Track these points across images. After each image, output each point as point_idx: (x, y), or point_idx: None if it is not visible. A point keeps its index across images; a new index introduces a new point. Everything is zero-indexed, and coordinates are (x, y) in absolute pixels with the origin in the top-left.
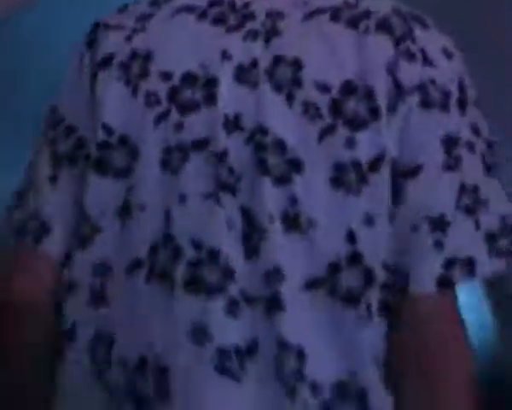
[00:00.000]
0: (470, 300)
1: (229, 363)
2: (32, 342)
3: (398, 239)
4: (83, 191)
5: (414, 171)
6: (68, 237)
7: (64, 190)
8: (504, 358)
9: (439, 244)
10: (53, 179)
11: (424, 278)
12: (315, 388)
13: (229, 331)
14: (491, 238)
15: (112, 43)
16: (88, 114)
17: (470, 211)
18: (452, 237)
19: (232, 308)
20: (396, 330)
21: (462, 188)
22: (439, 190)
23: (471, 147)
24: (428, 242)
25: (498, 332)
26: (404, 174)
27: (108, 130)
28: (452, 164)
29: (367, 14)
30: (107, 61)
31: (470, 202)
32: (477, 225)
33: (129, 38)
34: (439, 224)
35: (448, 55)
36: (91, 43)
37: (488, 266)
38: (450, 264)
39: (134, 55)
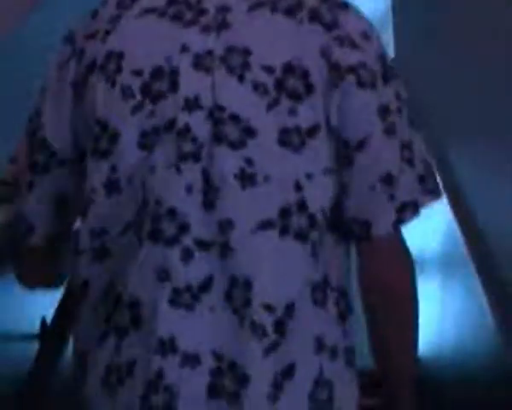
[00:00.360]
0: (470, 302)
1: (181, 299)
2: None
3: (357, 197)
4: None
5: (361, 144)
6: (49, 228)
7: (40, 192)
8: (505, 359)
9: (391, 197)
10: (30, 185)
11: (384, 224)
12: (261, 314)
13: (183, 273)
14: (422, 180)
15: (92, 50)
16: (67, 123)
17: (411, 162)
18: (400, 188)
19: (186, 256)
20: (362, 268)
21: (402, 146)
22: (384, 154)
23: (399, 111)
24: (384, 197)
25: (499, 333)
26: (352, 148)
27: (98, 122)
28: (390, 130)
29: (299, 4)
30: (91, 67)
31: (410, 155)
32: (416, 174)
33: (104, 41)
34: (389, 180)
35: (368, 37)
36: (74, 53)
37: (424, 203)
38: (401, 209)
39: (109, 54)
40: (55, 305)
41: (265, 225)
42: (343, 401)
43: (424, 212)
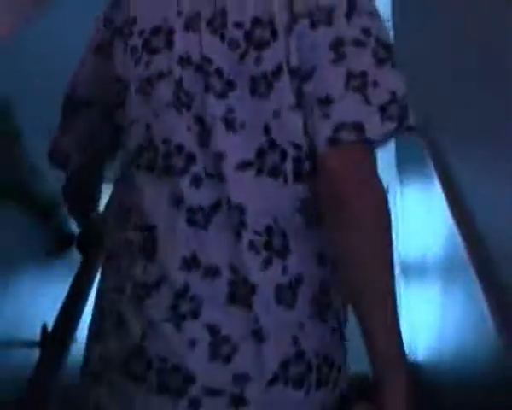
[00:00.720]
0: (471, 307)
1: (196, 217)
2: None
3: (305, 122)
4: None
5: (309, 73)
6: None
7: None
8: (506, 364)
9: (326, 116)
10: (65, 126)
11: (320, 142)
12: (253, 231)
13: (195, 197)
14: (382, 109)
15: (116, 18)
16: (98, 76)
17: (358, 89)
18: (338, 110)
19: (196, 182)
20: (314, 185)
21: (349, 75)
22: (327, 80)
23: (358, 44)
24: (319, 114)
25: (500, 338)
26: (302, 78)
27: (118, 79)
28: (338, 59)
29: None
30: (117, 31)
31: (358, 83)
32: (367, 101)
33: (123, 8)
34: (326, 102)
35: None
36: (105, 19)
37: (380, 128)
38: (339, 128)
39: (126, 20)
40: (57, 312)
41: (245, 164)
42: (338, 304)
43: (425, 218)
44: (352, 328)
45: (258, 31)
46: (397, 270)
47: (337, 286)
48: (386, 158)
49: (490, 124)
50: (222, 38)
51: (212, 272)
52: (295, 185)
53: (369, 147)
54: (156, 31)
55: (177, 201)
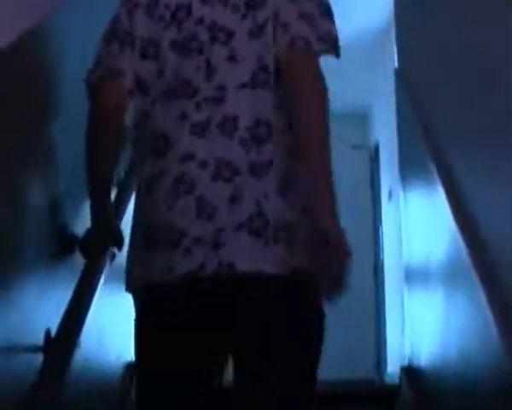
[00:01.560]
0: (475, 317)
1: (196, 129)
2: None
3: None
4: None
5: (284, 25)
6: (133, 79)
7: (125, 58)
8: (509, 369)
9: (286, 31)
10: (120, 52)
11: (283, 47)
12: (244, 132)
13: (197, 115)
14: (320, 39)
15: None
16: (129, 30)
17: (309, 22)
18: (293, 29)
19: (198, 106)
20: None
21: (301, 13)
22: (286, 14)
23: (308, 1)
24: (281, 32)
25: (502, 344)
26: (281, 29)
27: (142, 38)
28: (293, 2)
29: None
30: (137, 4)
31: (306, 20)
32: (311, 29)
33: None
34: (285, 25)
35: None
36: None
37: (319, 45)
38: (293, 40)
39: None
40: (61, 317)
41: (243, 85)
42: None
43: (428, 223)
44: (353, 339)
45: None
46: (400, 275)
47: (297, 177)
48: (389, 163)
49: (492, 128)
50: (225, 5)
51: (203, 163)
52: (275, 91)
53: (314, 55)
54: (179, 6)
55: (184, 116)
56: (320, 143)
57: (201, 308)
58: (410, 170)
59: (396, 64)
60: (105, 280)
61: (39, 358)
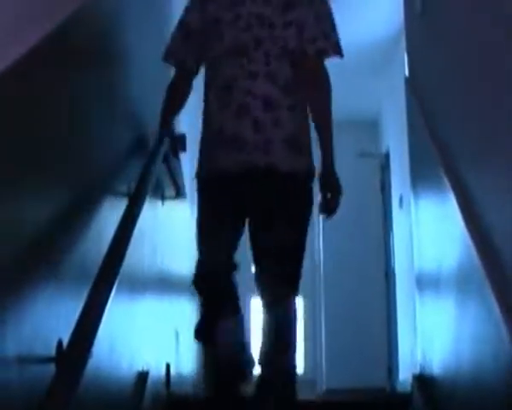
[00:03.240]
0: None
1: (251, 75)
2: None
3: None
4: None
5: (303, 27)
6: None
7: (189, 41)
8: None
9: (313, 42)
10: (184, 38)
11: (311, 52)
12: (281, 81)
13: (249, 68)
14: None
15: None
16: (199, 16)
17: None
18: (317, 41)
19: (250, 63)
20: (301, 70)
21: (318, 18)
22: (310, 27)
23: (327, 15)
24: (303, 32)
25: None
26: (300, 28)
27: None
28: (318, 18)
29: None
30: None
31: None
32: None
33: None
34: (303, 27)
35: None
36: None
37: (331, 50)
38: (319, 51)
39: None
40: (73, 327)
41: (278, 56)
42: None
43: (440, 229)
44: (364, 346)
45: (286, 4)
46: (411, 282)
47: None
48: (399, 170)
49: (504, 135)
50: (267, 3)
51: (255, 96)
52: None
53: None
54: (237, 1)
55: (242, 67)
56: (330, 128)
57: (252, 188)
58: (420, 177)
59: (406, 72)
60: (117, 289)
61: (51, 369)
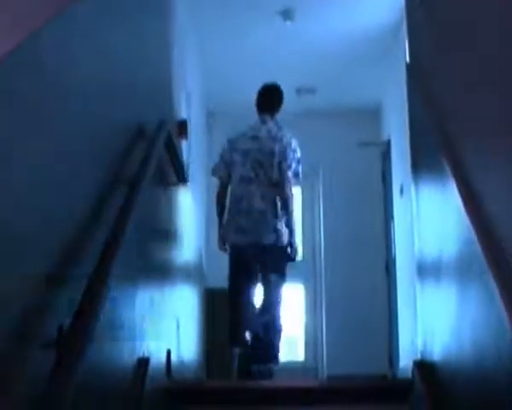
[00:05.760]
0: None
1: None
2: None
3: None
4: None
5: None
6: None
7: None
8: None
9: (288, 169)
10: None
11: (287, 177)
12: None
13: (248, 173)
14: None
15: (235, 145)
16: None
17: (294, 165)
18: (291, 169)
19: (260, 188)
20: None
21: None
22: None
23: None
24: (285, 167)
25: None
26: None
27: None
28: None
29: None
30: (234, 151)
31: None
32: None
33: (236, 143)
34: (289, 166)
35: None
36: (229, 143)
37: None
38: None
39: (237, 148)
40: (74, 312)
41: (271, 179)
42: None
43: (441, 217)
44: (365, 334)
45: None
46: (412, 270)
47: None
48: (400, 159)
49: (506, 121)
50: (272, 154)
51: (257, 197)
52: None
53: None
54: (247, 153)
55: (249, 182)
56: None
57: (254, 252)
58: (421, 165)
59: (407, 59)
60: (118, 275)
61: (52, 353)
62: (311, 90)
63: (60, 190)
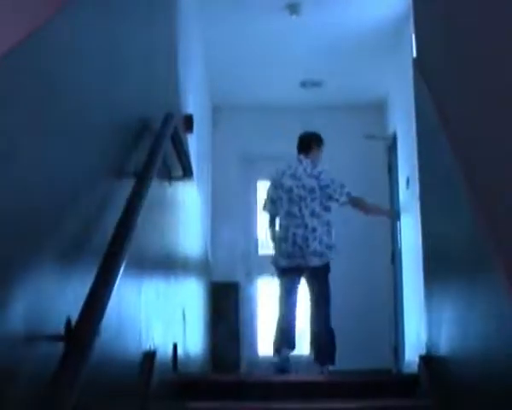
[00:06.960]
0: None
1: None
2: None
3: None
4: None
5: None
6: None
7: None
8: None
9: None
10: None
11: (342, 196)
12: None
13: (296, 210)
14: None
15: (279, 183)
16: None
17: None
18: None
19: (300, 209)
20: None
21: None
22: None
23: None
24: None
25: None
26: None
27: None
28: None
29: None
30: (279, 187)
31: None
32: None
33: (280, 182)
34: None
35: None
36: (275, 182)
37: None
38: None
39: (282, 185)
40: (82, 305)
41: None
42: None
43: (447, 210)
44: (370, 328)
45: (312, 187)
46: (418, 263)
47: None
48: (406, 152)
49: (510, 114)
50: (311, 192)
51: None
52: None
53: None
54: (290, 190)
55: (293, 216)
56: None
57: (300, 270)
58: (428, 158)
59: (414, 53)
60: (125, 268)
61: (60, 347)
62: (317, 84)
63: (68, 182)
